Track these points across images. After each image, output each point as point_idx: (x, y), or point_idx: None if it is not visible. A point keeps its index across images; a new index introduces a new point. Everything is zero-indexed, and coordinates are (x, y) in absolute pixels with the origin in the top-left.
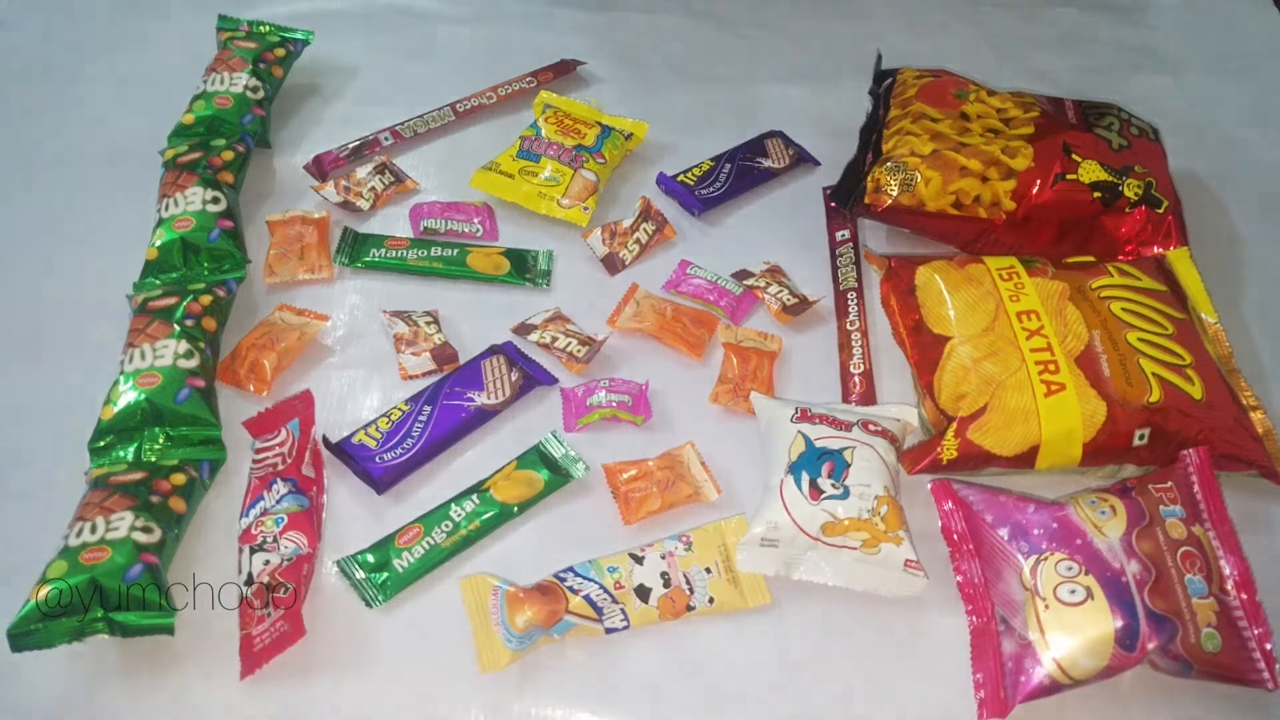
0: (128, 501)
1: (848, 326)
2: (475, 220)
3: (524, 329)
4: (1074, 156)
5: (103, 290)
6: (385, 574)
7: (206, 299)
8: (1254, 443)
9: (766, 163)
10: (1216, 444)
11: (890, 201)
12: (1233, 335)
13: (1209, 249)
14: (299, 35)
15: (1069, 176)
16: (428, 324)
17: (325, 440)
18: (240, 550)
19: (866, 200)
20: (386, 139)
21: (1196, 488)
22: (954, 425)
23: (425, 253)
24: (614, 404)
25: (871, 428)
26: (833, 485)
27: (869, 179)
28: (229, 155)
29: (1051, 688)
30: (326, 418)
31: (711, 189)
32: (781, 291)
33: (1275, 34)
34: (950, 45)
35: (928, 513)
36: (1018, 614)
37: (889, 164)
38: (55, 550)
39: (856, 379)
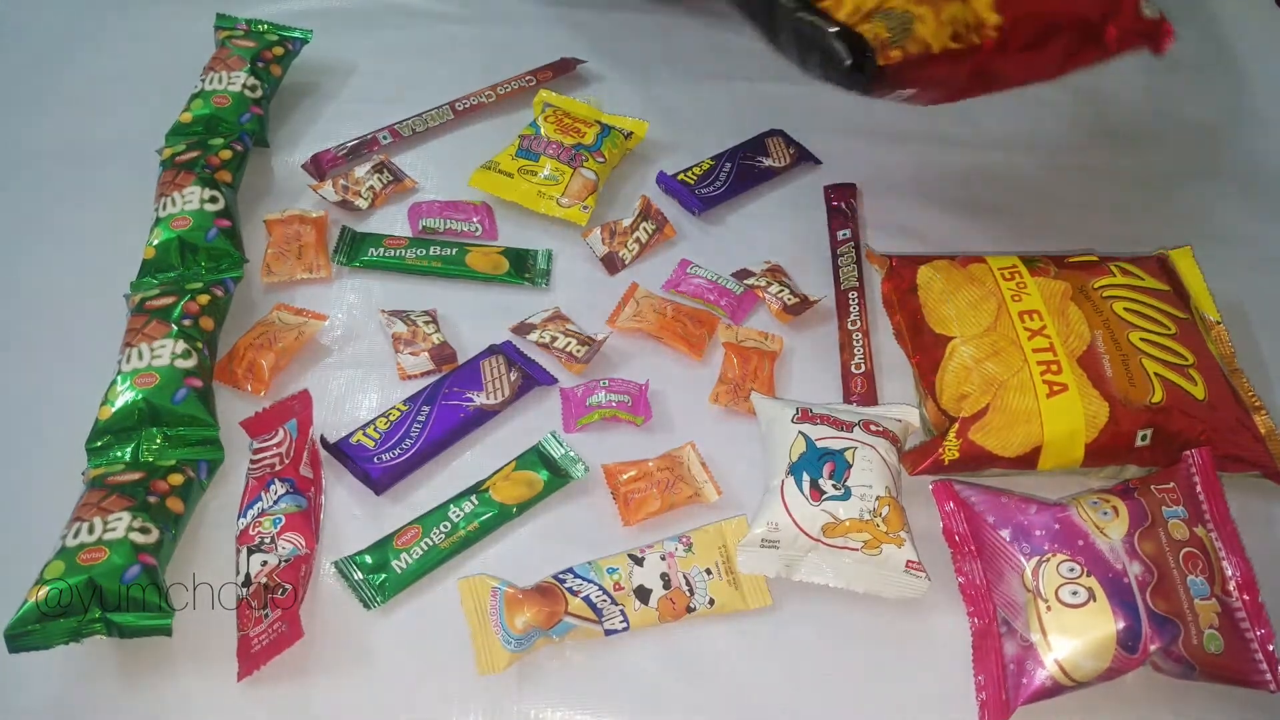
0: (125, 502)
1: (849, 326)
2: (474, 219)
3: (523, 329)
4: None
5: (100, 289)
6: (383, 575)
7: (204, 298)
8: (1256, 443)
9: (767, 161)
10: (1219, 444)
11: (901, 55)
12: (1235, 335)
13: (1212, 248)
14: (297, 34)
15: None
16: (426, 324)
17: (323, 440)
18: (238, 551)
19: (881, 62)
20: (385, 138)
21: (1199, 488)
22: (956, 426)
23: (424, 252)
24: (614, 404)
25: (873, 428)
26: (834, 486)
27: (870, 38)
28: (227, 154)
29: (1053, 689)
30: (324, 418)
31: (712, 188)
32: (782, 291)
33: (1276, 32)
34: None
35: (929, 514)
36: (1019, 615)
37: (878, 16)
38: (53, 550)
39: (858, 379)
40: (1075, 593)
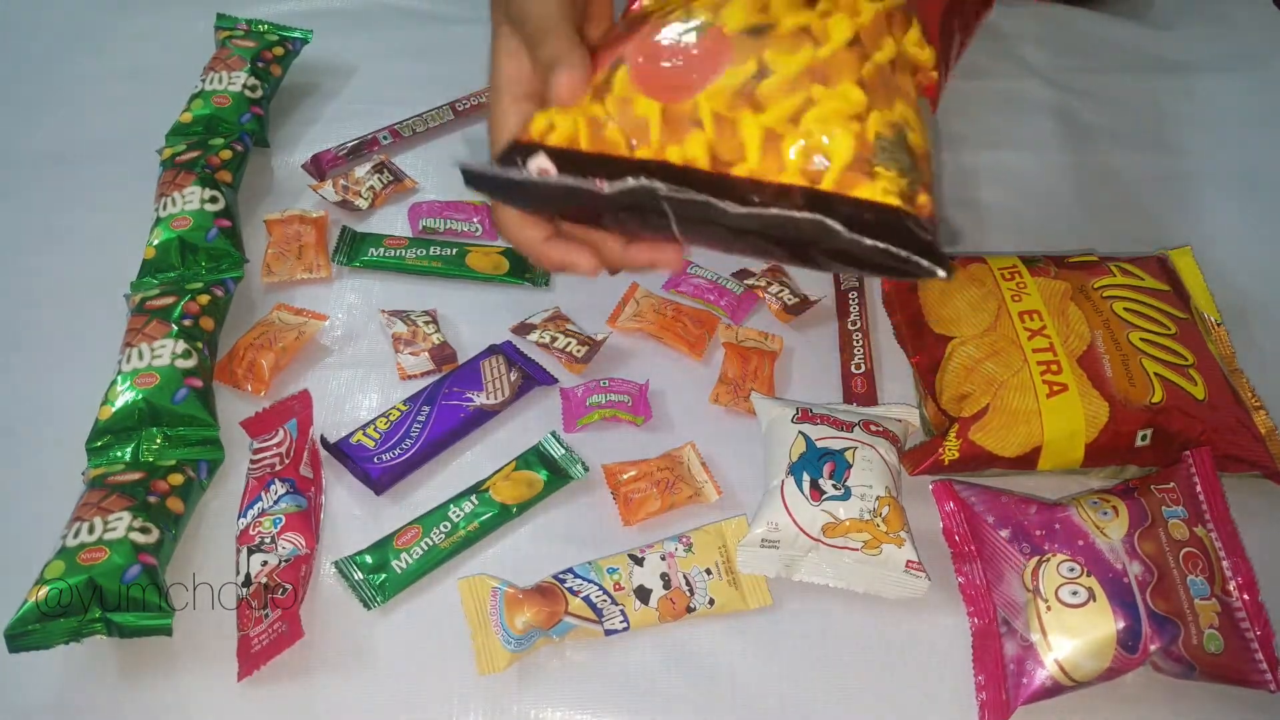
0: (125, 502)
1: (849, 326)
2: (474, 219)
3: (523, 329)
4: None
5: (100, 289)
6: (384, 575)
7: (204, 298)
8: (1257, 443)
9: None
10: (1219, 444)
11: (928, 199)
12: (1236, 335)
13: (1212, 248)
14: (297, 34)
15: None
16: (426, 324)
17: (323, 440)
18: (238, 551)
19: (930, 233)
20: (385, 138)
21: (1199, 488)
22: (956, 426)
23: (424, 252)
24: (614, 404)
25: (873, 428)
26: (834, 486)
27: (900, 198)
28: (227, 154)
29: (1053, 689)
30: (324, 418)
31: None
32: (782, 291)
33: (1276, 32)
34: None
35: (929, 514)
36: (1019, 615)
37: (878, 152)
38: (53, 550)
39: (858, 379)
40: (1075, 592)
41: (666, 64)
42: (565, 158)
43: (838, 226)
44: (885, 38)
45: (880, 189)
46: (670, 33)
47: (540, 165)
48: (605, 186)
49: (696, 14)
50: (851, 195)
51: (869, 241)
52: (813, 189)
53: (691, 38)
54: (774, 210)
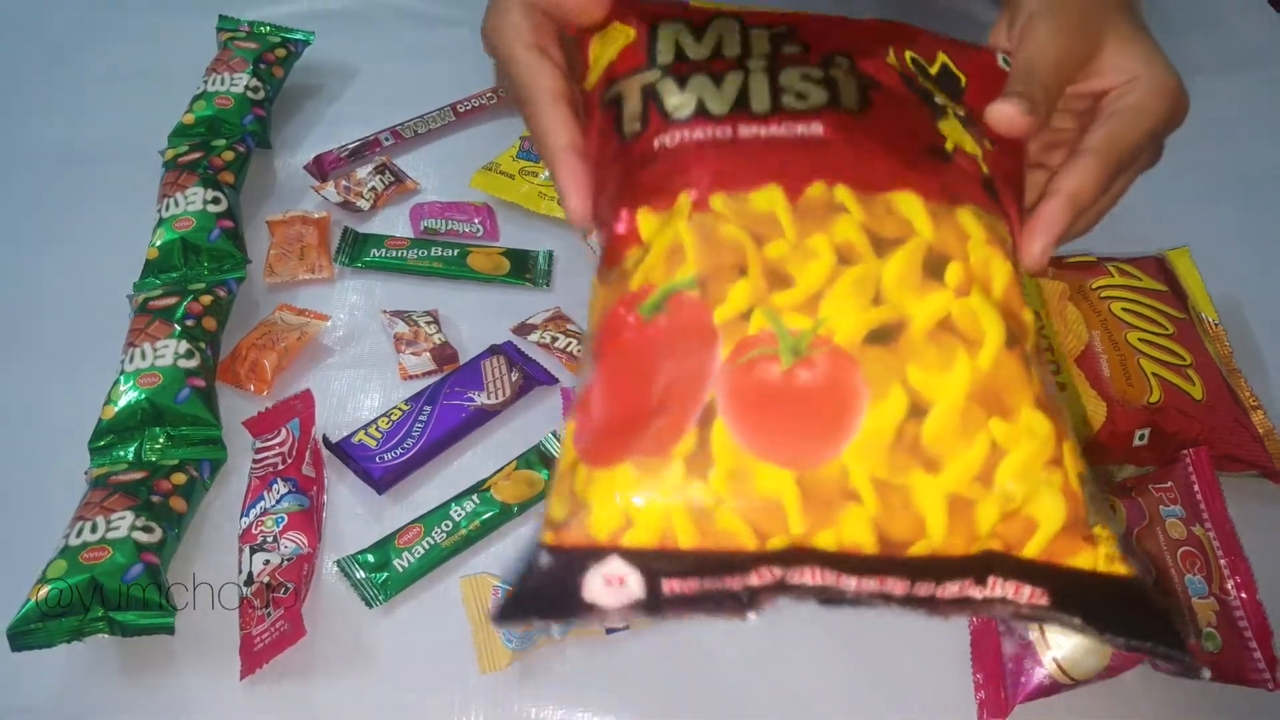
0: (128, 501)
1: None
2: (475, 220)
3: (524, 329)
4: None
5: (103, 290)
6: (385, 574)
7: (207, 299)
8: (1255, 443)
9: None
10: (1217, 444)
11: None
12: (1233, 335)
13: (1210, 248)
14: (299, 35)
15: None
16: (428, 324)
17: (325, 440)
18: (240, 550)
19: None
20: (387, 139)
21: (1196, 488)
22: None
23: (425, 253)
24: None
25: None
26: None
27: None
28: (229, 155)
29: (1052, 688)
30: (327, 417)
31: None
32: None
33: (1274, 32)
34: None
35: None
36: None
37: (1094, 517)
38: (55, 549)
39: None
40: None
41: (783, 413)
42: (657, 563)
43: (1078, 623)
44: (1023, 308)
45: (1103, 556)
46: (767, 364)
47: (612, 573)
48: (747, 614)
49: (786, 320)
50: (1072, 568)
51: (1114, 639)
52: (1023, 567)
53: (802, 367)
54: (970, 603)
